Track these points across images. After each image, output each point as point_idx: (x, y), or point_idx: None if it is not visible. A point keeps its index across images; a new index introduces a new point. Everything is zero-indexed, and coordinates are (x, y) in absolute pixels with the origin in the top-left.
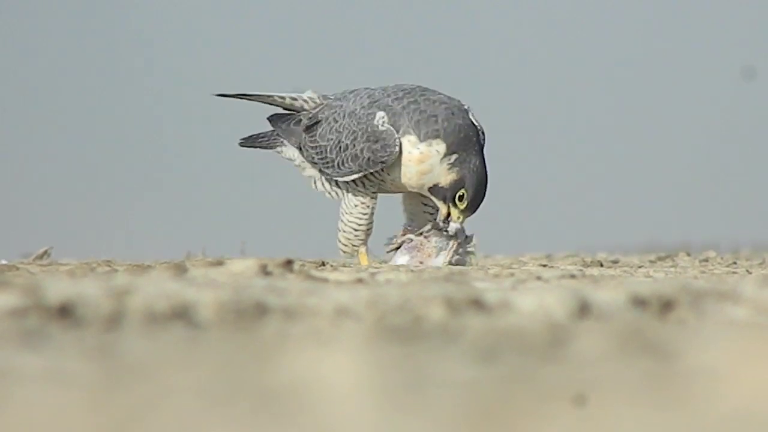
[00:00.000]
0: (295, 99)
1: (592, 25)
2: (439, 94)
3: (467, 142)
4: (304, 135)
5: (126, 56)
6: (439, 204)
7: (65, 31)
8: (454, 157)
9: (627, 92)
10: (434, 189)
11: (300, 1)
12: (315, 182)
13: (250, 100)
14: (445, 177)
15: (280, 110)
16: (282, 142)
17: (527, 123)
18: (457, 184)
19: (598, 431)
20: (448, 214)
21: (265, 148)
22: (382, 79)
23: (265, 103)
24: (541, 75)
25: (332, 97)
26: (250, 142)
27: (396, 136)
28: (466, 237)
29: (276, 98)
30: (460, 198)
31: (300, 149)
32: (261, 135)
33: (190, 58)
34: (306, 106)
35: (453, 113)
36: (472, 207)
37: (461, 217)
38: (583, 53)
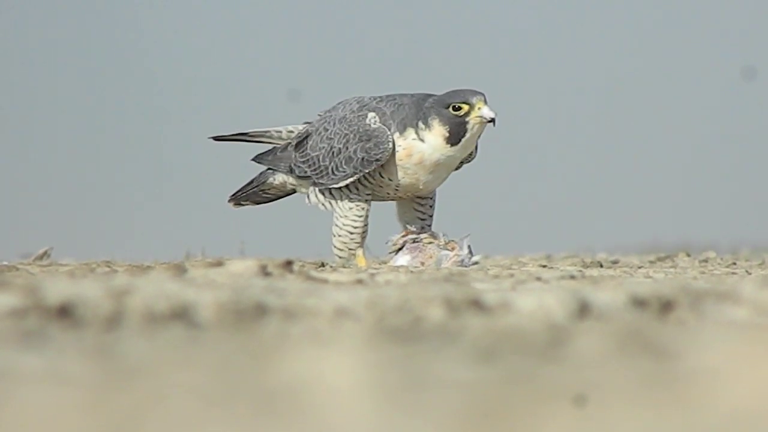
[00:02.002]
0: (292, 131)
1: (592, 25)
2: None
3: (412, 107)
4: (294, 154)
5: (125, 55)
6: (471, 126)
7: (65, 31)
8: (422, 124)
9: (627, 92)
10: (452, 136)
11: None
12: (308, 197)
13: (246, 141)
14: (442, 132)
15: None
16: (270, 173)
17: (526, 124)
18: (450, 118)
19: (597, 431)
20: (478, 116)
21: (257, 197)
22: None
23: (261, 141)
24: (540, 76)
25: (322, 113)
26: (240, 197)
27: (389, 133)
28: (471, 255)
29: (272, 133)
30: (459, 108)
31: (291, 170)
32: (246, 185)
33: (190, 53)
34: None
35: (409, 98)
36: (471, 95)
37: (482, 107)
38: (582, 53)
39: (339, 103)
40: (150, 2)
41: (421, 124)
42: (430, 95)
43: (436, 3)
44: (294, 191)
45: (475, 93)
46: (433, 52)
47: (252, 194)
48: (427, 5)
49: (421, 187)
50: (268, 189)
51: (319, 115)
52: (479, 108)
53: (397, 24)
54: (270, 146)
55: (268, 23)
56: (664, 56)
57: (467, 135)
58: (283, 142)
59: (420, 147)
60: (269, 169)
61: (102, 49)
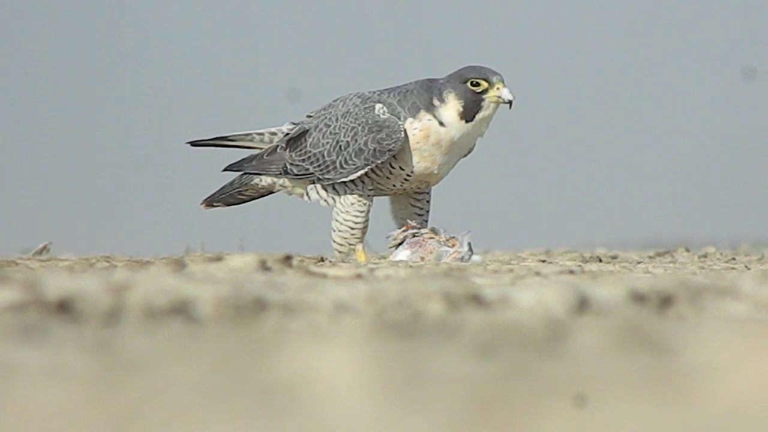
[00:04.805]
0: (275, 133)
1: (592, 24)
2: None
3: (431, 85)
4: (288, 153)
5: (126, 53)
6: (487, 104)
7: (65, 30)
8: (443, 94)
9: (627, 90)
10: (467, 112)
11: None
12: (307, 194)
13: (224, 146)
14: (456, 106)
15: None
16: (255, 177)
17: (527, 119)
18: (468, 98)
19: (596, 427)
20: (497, 96)
21: (233, 198)
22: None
23: (241, 146)
24: (540, 72)
25: (312, 113)
26: (215, 199)
27: (399, 122)
28: (470, 252)
29: (254, 136)
30: (477, 84)
31: (285, 171)
32: (225, 186)
33: (190, 52)
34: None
35: (417, 83)
36: (491, 73)
37: (501, 87)
38: (582, 51)
39: (335, 101)
40: (151, 3)
41: (436, 100)
42: (434, 78)
43: (436, 3)
44: (273, 192)
45: (495, 72)
46: (433, 51)
47: (229, 196)
48: (427, 5)
49: (436, 171)
50: (248, 191)
51: (309, 115)
52: (498, 88)
53: (397, 24)
54: (246, 153)
55: (268, 23)
56: (665, 55)
57: (481, 113)
58: (265, 146)
59: (436, 126)
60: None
61: (102, 46)
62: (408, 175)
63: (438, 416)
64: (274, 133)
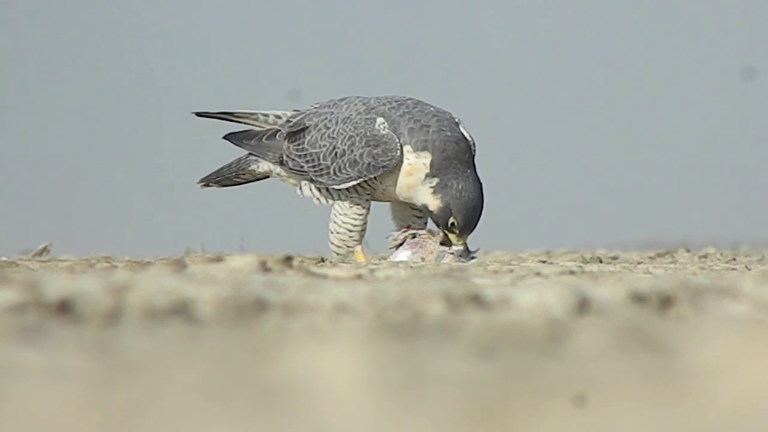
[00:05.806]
0: (279, 117)
1: (592, 24)
2: (432, 107)
3: (451, 159)
4: (287, 144)
5: (126, 54)
6: (437, 227)
7: (66, 29)
8: (435, 181)
9: (627, 91)
10: (426, 211)
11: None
12: (300, 189)
13: (231, 120)
14: (432, 202)
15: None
16: (254, 160)
17: (527, 120)
18: (445, 212)
19: (596, 427)
20: (448, 238)
21: (229, 180)
22: (373, 90)
23: (245, 123)
24: (541, 73)
25: (317, 105)
26: (211, 179)
27: (397, 141)
28: (469, 252)
29: (259, 116)
30: (453, 225)
31: (281, 161)
32: (223, 168)
33: (191, 53)
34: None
35: (443, 126)
36: (466, 231)
37: (461, 240)
38: (582, 52)
39: (340, 100)
40: (151, 3)
41: (441, 176)
42: (453, 119)
43: (436, 3)
44: (269, 177)
45: (468, 232)
46: (433, 51)
47: (225, 178)
48: (427, 5)
49: (400, 199)
50: (245, 174)
51: (314, 106)
52: (452, 245)
53: (397, 24)
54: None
55: (269, 23)
56: (665, 55)
57: (430, 224)
58: (268, 127)
59: (423, 172)
60: (251, 155)
61: (102, 46)
62: (383, 191)
63: (438, 416)
64: (278, 117)
